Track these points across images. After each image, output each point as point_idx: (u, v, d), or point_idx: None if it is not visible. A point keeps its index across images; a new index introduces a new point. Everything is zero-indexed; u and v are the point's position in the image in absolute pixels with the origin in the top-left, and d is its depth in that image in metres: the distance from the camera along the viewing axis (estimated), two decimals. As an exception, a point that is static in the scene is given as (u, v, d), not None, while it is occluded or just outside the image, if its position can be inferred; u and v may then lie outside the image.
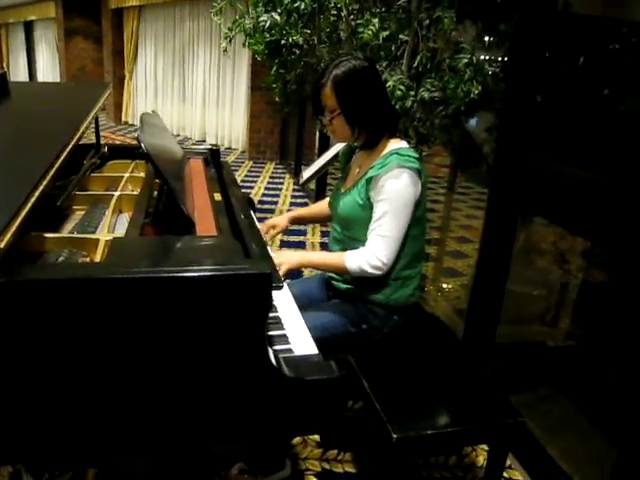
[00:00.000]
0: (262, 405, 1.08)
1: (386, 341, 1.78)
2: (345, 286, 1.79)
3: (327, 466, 1.94)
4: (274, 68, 2.73)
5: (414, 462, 1.95)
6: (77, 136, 1.61)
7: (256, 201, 5.74)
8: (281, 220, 2.06)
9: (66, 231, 1.63)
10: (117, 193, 1.80)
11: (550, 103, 2.12)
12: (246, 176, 7.12)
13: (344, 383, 1.12)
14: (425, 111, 2.26)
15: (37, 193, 1.19)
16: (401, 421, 1.43)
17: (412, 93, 2.15)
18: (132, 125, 11.32)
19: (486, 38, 2.36)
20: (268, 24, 2.43)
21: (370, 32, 2.14)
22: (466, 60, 2.08)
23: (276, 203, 5.73)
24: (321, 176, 4.93)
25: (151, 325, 0.99)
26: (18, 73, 16.00)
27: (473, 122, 2.81)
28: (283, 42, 2.43)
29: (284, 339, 1.32)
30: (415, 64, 2.20)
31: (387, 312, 1.76)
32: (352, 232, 1.74)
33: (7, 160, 1.41)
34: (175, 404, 1.05)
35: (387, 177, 1.60)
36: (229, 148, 9.26)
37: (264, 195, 6.08)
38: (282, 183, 6.77)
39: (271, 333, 1.34)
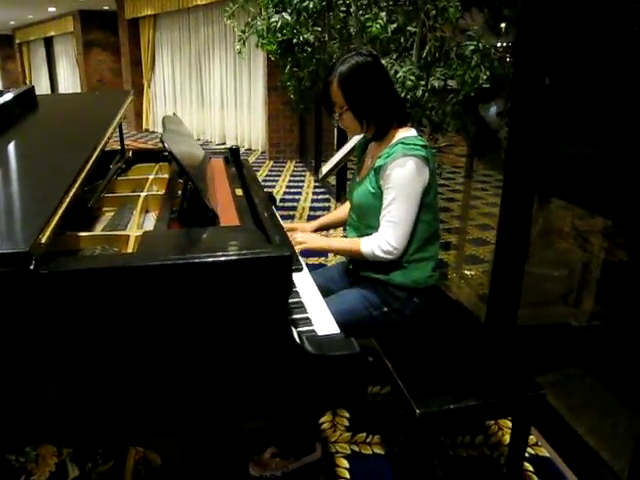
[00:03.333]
0: (289, 381, 1.15)
1: (408, 323, 1.84)
2: (364, 272, 1.85)
3: (356, 448, 2.01)
4: (287, 67, 2.80)
5: (440, 442, 2.00)
6: (103, 141, 1.69)
7: (278, 200, 5.82)
8: (306, 227, 2.12)
9: (98, 230, 1.72)
10: (143, 194, 1.88)
11: (561, 83, 2.14)
12: (267, 176, 7.22)
13: (365, 359, 1.18)
14: (437, 99, 2.31)
15: (71, 194, 1.28)
16: (424, 397, 1.48)
17: (422, 83, 2.20)
18: (153, 132, 11.54)
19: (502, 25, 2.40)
20: (279, 24, 2.51)
21: (378, 26, 2.19)
22: (472, 47, 2.12)
23: (298, 201, 5.80)
24: (341, 171, 4.98)
25: (182, 309, 1.06)
26: (40, 87, 16.39)
27: (492, 109, 2.84)
28: (295, 41, 2.51)
29: (307, 321, 1.38)
30: (424, 54, 2.25)
31: (407, 294, 1.81)
32: (366, 219, 1.81)
33: (41, 166, 1.51)
34: (206, 382, 1.12)
35: (393, 165, 1.67)
36: (249, 149, 9.38)
37: (286, 193, 6.16)
38: (303, 181, 6.84)
39: (295, 316, 1.41)
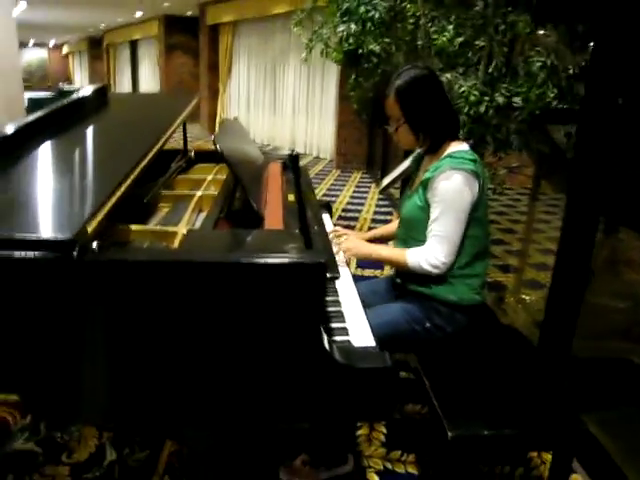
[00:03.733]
0: (316, 387, 1.14)
1: (451, 341, 1.79)
2: (409, 285, 1.82)
3: (389, 465, 1.96)
4: (352, 76, 2.80)
5: (477, 469, 1.93)
6: (161, 141, 1.74)
7: (340, 209, 5.83)
8: (358, 236, 2.11)
9: (151, 225, 1.78)
10: (199, 193, 1.93)
11: (636, 104, 2.03)
12: (332, 185, 7.24)
13: (396, 374, 1.16)
14: (500, 116, 2.24)
15: (122, 188, 1.33)
16: (458, 420, 1.43)
17: (487, 98, 2.14)
18: (225, 135, 11.82)
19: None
20: (345, 34, 2.52)
21: (445, 39, 2.16)
22: (540, 63, 2.05)
23: (360, 212, 5.78)
24: (404, 183, 4.92)
25: (215, 305, 1.08)
26: (123, 87, 17.22)
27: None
28: (360, 51, 2.51)
29: (344, 331, 1.37)
30: (490, 69, 2.19)
31: (451, 310, 1.77)
32: (413, 233, 1.79)
33: (100, 159, 1.58)
34: (234, 378, 1.13)
35: (440, 179, 1.65)
36: (317, 157, 9.46)
37: (349, 204, 6.14)
38: (367, 192, 6.82)
39: (333, 325, 1.40)
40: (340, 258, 1.85)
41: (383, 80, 2.71)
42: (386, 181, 3.39)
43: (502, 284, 3.78)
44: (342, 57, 2.62)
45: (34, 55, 23.70)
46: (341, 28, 2.56)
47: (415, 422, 2.20)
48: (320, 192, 6.71)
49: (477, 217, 1.71)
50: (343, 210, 5.81)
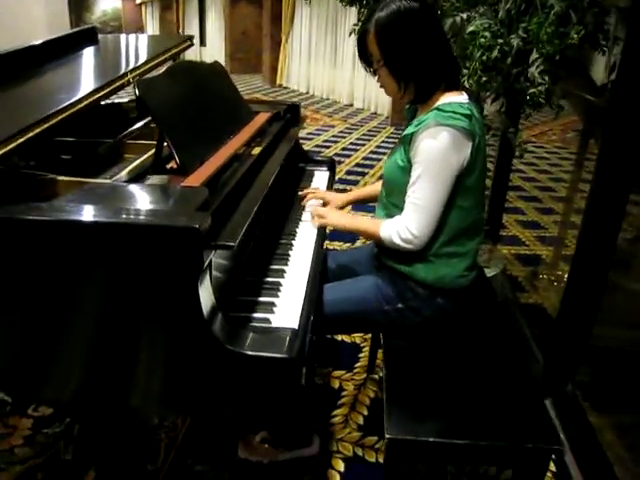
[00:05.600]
0: (202, 374, 0.98)
1: (428, 326, 1.55)
2: (385, 259, 1.59)
3: (360, 452, 1.79)
4: (359, 17, 2.47)
5: (444, 469, 1.72)
6: (113, 85, 1.57)
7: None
8: (337, 198, 1.88)
9: (106, 176, 1.64)
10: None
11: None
12: (383, 142, 6.93)
13: (297, 368, 0.96)
14: (518, 63, 1.89)
15: (31, 133, 1.17)
16: (403, 420, 1.22)
17: (500, 41, 1.79)
18: (286, 88, 11.60)
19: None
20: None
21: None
22: (559, -8, 1.66)
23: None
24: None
25: (78, 269, 0.94)
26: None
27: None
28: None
29: (270, 307, 1.18)
30: (508, 5, 1.82)
31: (430, 292, 1.52)
32: (393, 197, 1.54)
33: (31, 101, 1.43)
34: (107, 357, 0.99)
35: (423, 136, 1.37)
36: (375, 113, 9.09)
37: (394, 162, 5.84)
38: (417, 151, 6.46)
39: (260, 299, 1.22)
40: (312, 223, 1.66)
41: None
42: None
43: (540, 257, 3.44)
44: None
45: (109, 5, 24.04)
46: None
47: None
48: (368, 149, 6.43)
49: (468, 185, 1.43)
50: (387, 169, 5.52)
